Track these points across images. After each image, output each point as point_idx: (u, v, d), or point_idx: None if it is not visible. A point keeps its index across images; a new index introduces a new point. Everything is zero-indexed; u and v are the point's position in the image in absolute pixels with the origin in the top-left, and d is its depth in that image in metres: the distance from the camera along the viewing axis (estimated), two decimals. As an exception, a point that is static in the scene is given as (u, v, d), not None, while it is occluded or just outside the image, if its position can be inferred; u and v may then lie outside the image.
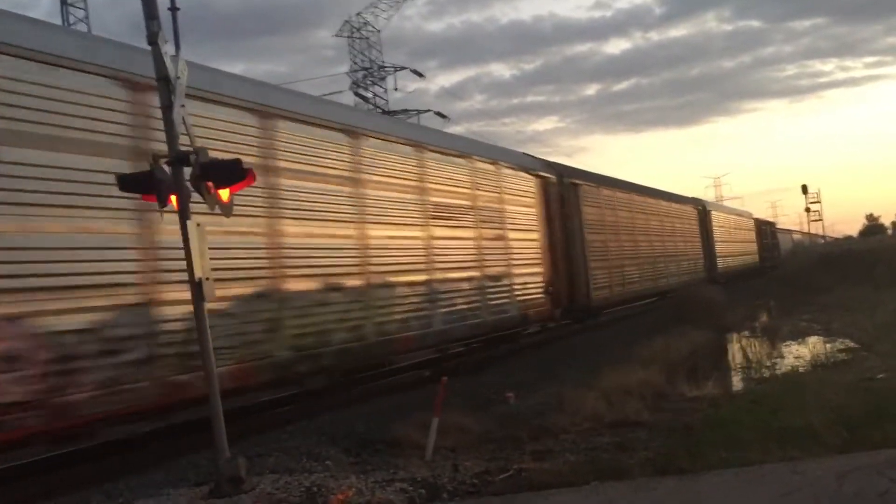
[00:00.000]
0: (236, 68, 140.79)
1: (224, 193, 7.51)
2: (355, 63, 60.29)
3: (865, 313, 19.79)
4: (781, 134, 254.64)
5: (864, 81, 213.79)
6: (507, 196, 17.52)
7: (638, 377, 12.67)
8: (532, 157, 21.60)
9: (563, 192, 21.01)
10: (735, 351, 18.78)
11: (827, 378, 11.64)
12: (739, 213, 52.85)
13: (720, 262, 40.09)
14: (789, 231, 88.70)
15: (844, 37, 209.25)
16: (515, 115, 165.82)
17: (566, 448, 8.72)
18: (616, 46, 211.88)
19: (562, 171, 21.95)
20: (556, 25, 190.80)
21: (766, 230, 58.60)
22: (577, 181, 22.35)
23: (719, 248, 40.60)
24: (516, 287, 17.22)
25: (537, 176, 19.59)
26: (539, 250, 18.84)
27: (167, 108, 7.32)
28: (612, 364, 13.91)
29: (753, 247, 52.31)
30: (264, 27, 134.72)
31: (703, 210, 39.03)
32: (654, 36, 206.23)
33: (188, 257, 7.18)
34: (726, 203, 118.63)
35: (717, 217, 41.60)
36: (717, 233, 40.40)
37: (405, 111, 58.81)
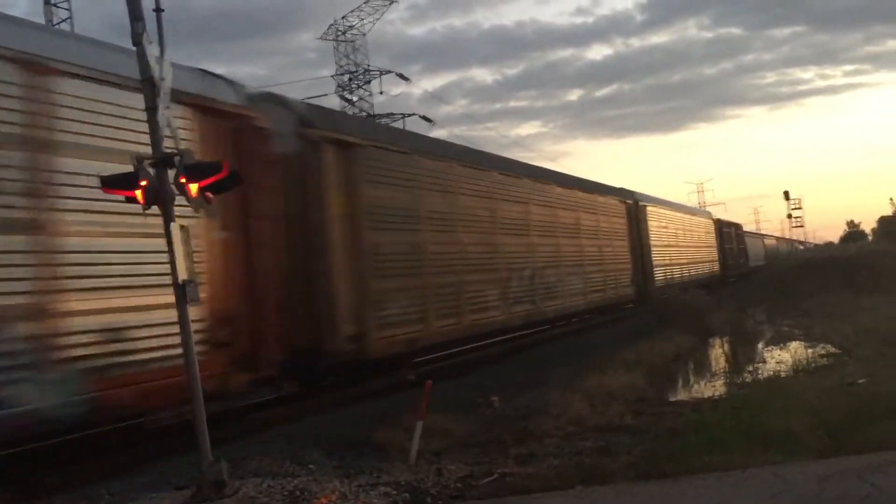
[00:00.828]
0: (217, 71, 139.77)
1: (208, 195, 7.47)
2: (340, 66, 60.27)
3: (846, 319, 19.96)
4: (763, 141, 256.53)
5: (844, 90, 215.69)
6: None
7: (622, 381, 12.74)
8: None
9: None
10: (718, 355, 18.89)
11: (809, 383, 11.74)
12: (692, 212, 43.95)
13: (659, 274, 30.90)
14: (761, 235, 78.48)
15: (824, 45, 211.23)
16: (498, 119, 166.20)
17: (550, 452, 8.73)
18: (598, 52, 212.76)
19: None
20: (538, 31, 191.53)
21: (729, 234, 50.64)
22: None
23: (658, 255, 31.08)
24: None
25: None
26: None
27: (152, 109, 7.28)
28: (597, 368, 13.97)
29: (713, 253, 43.81)
30: (245, 30, 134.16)
31: (633, 205, 29.45)
32: (636, 42, 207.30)
33: (172, 260, 7.13)
34: (709, 209, 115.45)
35: (654, 214, 31.66)
36: (656, 235, 31.22)
37: (390, 115, 58.78)
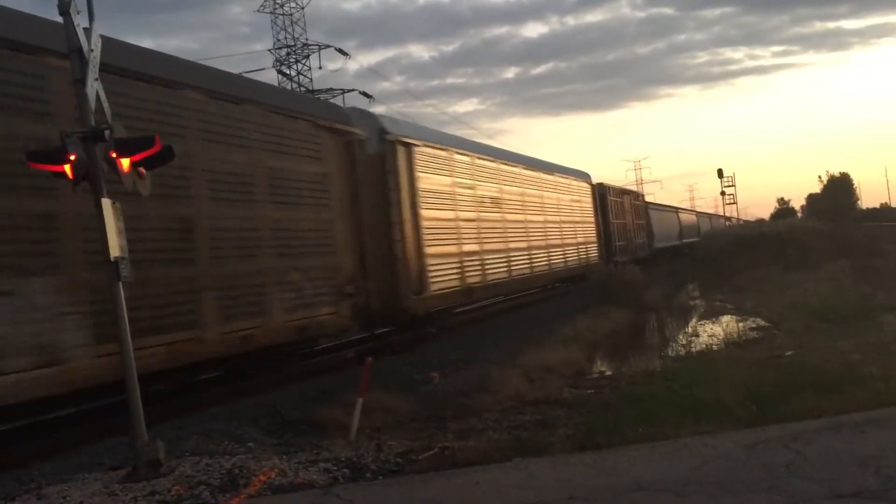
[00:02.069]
0: (144, 43, 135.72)
1: (141, 170, 7.31)
2: (278, 41, 59.24)
3: (776, 293, 20.62)
4: (697, 119, 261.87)
5: (773, 70, 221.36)
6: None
7: (560, 356, 12.97)
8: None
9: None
10: (653, 330, 19.34)
11: (739, 355, 12.11)
12: (548, 169, 28.08)
13: (438, 272, 17.47)
14: (675, 209, 63.65)
15: (753, 26, 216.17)
16: (436, 96, 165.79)
17: (489, 426, 8.85)
18: (533, 30, 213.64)
19: None
20: (474, 7, 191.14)
21: (619, 205, 38.11)
22: None
23: (435, 236, 17.57)
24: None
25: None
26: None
27: (80, 81, 7.07)
28: (535, 343, 14.17)
29: (588, 232, 31.55)
30: (174, 2, 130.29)
31: (384, 141, 16.30)
32: (571, 21, 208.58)
33: (103, 237, 6.96)
34: (646, 187, 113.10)
35: (426, 163, 17.71)
36: (430, 206, 17.60)
37: (330, 90, 58.08)
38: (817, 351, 11.28)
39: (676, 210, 64.77)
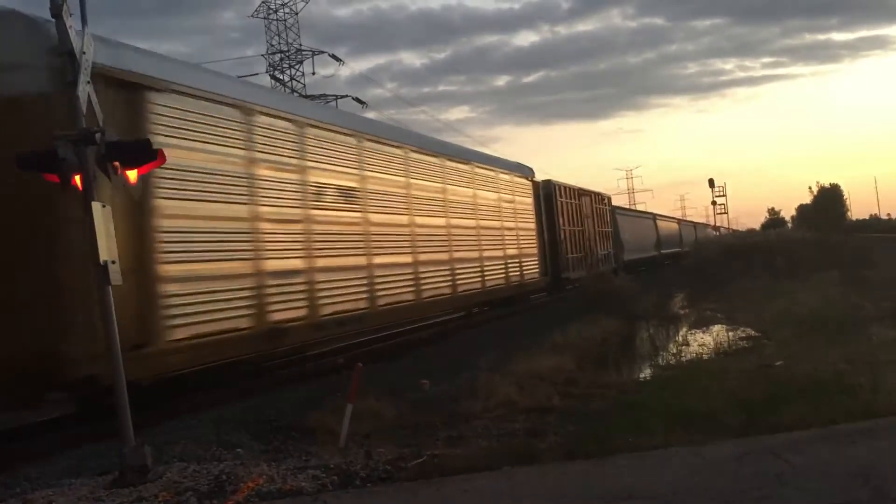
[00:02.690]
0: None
1: (132, 174, 7.28)
2: (272, 46, 59.23)
3: (766, 303, 20.67)
4: (688, 129, 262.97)
5: (763, 81, 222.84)
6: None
7: (550, 364, 12.93)
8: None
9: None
10: (643, 339, 19.35)
11: (729, 365, 12.13)
12: (461, 157, 21.89)
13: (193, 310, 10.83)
14: (651, 216, 56.08)
15: (743, 37, 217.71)
16: (427, 103, 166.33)
17: (479, 434, 8.82)
18: (525, 39, 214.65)
19: None
20: (465, 16, 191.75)
21: (572, 208, 30.79)
22: None
23: (212, 252, 11.25)
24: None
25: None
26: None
27: (72, 84, 7.03)
28: (526, 351, 14.15)
29: (526, 243, 25.33)
30: (164, 6, 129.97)
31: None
32: (562, 30, 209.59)
33: (93, 240, 6.92)
34: (637, 195, 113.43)
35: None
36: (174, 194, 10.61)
37: (323, 95, 58.10)
38: (807, 361, 11.30)
39: (654, 217, 56.44)
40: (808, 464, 6.07)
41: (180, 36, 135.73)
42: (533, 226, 26.19)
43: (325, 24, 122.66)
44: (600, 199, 37.33)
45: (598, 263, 33.07)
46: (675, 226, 67.13)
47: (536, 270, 26.12)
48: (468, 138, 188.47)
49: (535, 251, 26.07)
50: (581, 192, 33.24)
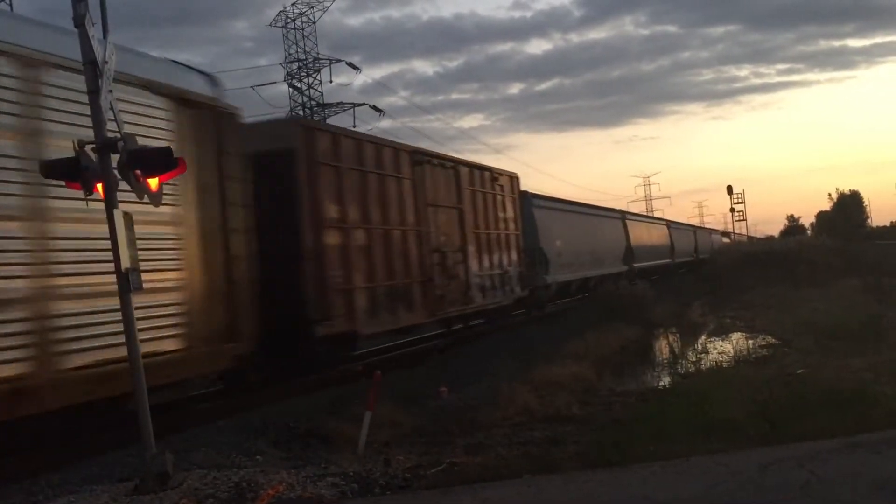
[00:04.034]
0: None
1: (153, 182, 7.32)
2: (290, 54, 59.55)
3: (786, 311, 20.50)
4: (704, 136, 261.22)
5: (779, 88, 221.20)
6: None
7: (569, 372, 12.88)
8: None
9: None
10: (662, 346, 19.22)
11: (749, 373, 12.01)
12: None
13: None
14: (620, 215, 39.53)
15: (758, 44, 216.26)
16: (441, 111, 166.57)
17: (498, 442, 8.78)
18: (537, 47, 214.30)
19: None
20: (478, 24, 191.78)
21: (487, 200, 20.57)
22: None
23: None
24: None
25: None
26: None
27: (94, 92, 7.09)
28: (545, 359, 14.09)
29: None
30: (179, 16, 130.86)
31: None
32: (574, 38, 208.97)
33: (115, 247, 6.96)
34: (655, 202, 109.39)
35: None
36: None
37: (340, 104, 58.37)
38: (829, 369, 11.19)
39: (622, 216, 39.29)
40: (833, 474, 5.99)
41: (194, 46, 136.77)
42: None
43: (337, 33, 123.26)
44: (483, 175, 20.64)
45: (476, 292, 19.13)
46: (661, 231, 48.37)
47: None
48: (483, 146, 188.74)
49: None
50: (398, 150, 16.42)
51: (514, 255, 22.04)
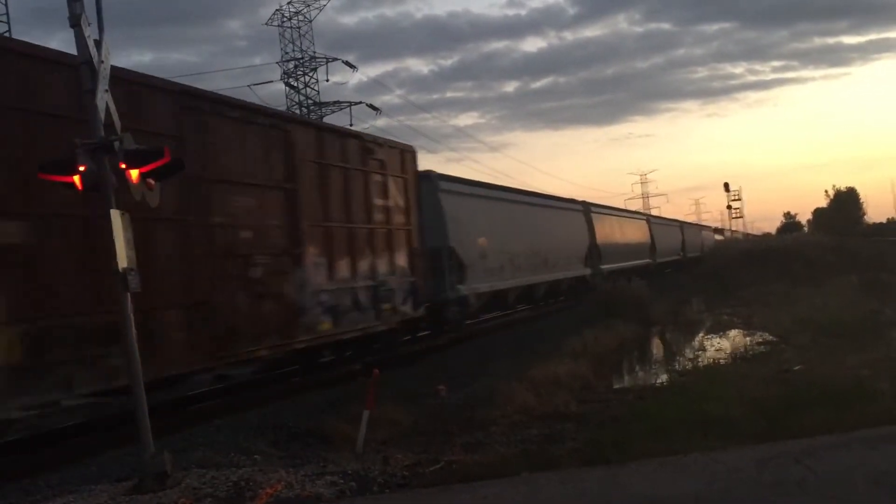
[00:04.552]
0: (145, 57, 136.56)
1: (150, 182, 7.32)
2: (286, 53, 59.46)
3: (783, 308, 20.53)
4: (700, 134, 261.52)
5: (774, 85, 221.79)
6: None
7: (567, 369, 12.89)
8: None
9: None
10: (659, 344, 19.25)
11: (747, 370, 12.05)
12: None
13: None
14: (582, 207, 32.84)
15: (752, 41, 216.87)
16: (436, 109, 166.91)
17: (496, 440, 8.80)
18: (532, 45, 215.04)
19: None
20: (472, 22, 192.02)
21: (351, 179, 14.35)
22: None
23: None
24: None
25: None
26: None
27: (90, 92, 7.08)
28: (542, 357, 14.11)
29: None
30: (172, 15, 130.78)
31: None
32: (569, 36, 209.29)
33: (112, 248, 6.95)
34: (651, 200, 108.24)
35: None
36: None
37: (337, 102, 58.30)
38: (826, 366, 11.22)
39: (585, 208, 32.59)
40: (830, 470, 6.01)
41: (189, 45, 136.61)
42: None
43: (331, 32, 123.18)
44: (346, 144, 14.76)
45: (319, 315, 13.11)
46: (639, 227, 42.14)
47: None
48: (480, 144, 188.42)
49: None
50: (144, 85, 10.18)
51: (401, 259, 15.85)
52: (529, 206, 26.03)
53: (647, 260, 40.48)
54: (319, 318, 12.95)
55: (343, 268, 13.86)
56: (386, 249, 15.40)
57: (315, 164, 13.37)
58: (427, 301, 16.87)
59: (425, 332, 18.77)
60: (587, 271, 30.10)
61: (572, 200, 32.74)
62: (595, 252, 31.60)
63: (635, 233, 40.69)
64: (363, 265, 14.46)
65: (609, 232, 34.81)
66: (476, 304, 20.25)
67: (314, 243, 13.04)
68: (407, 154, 17.01)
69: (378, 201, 15.33)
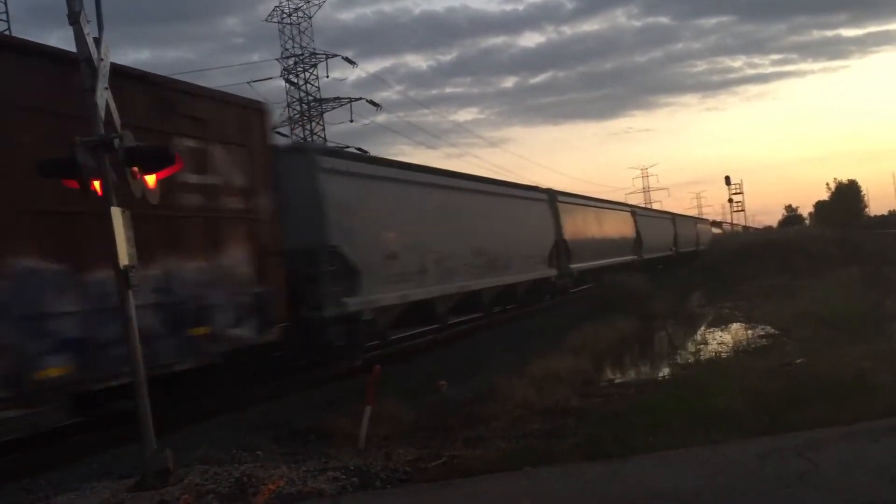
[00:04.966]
0: (142, 55, 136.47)
1: (150, 179, 7.31)
2: (286, 49, 59.39)
3: (785, 301, 20.51)
4: (700, 128, 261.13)
5: (773, 78, 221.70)
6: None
7: (567, 364, 12.88)
8: None
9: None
10: (661, 338, 19.24)
11: (748, 363, 12.03)
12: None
13: None
14: (550, 196, 27.06)
15: (751, 35, 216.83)
16: (435, 105, 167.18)
17: (497, 435, 8.79)
18: (530, 40, 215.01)
19: None
20: (470, 18, 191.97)
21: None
22: None
23: None
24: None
25: None
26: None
27: (90, 90, 7.07)
28: (543, 352, 14.11)
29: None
30: (170, 13, 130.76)
31: None
32: (567, 30, 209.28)
33: (113, 245, 6.95)
34: (652, 194, 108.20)
35: None
36: None
37: (337, 99, 58.27)
38: (827, 359, 11.19)
39: (550, 198, 27.31)
40: (832, 463, 6.00)
41: (187, 43, 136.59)
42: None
43: (330, 28, 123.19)
44: (129, 94, 8.77)
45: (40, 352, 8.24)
46: (621, 220, 37.42)
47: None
48: (478, 139, 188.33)
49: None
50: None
51: (236, 262, 11.21)
52: (471, 194, 20.33)
53: (632, 257, 36.12)
54: (42, 360, 8.14)
55: (105, 277, 7.88)
56: (204, 247, 10.63)
57: (48, 113, 8.40)
58: (284, 321, 11.98)
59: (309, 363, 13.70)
60: (552, 272, 25.35)
61: (534, 188, 27.07)
62: (563, 249, 26.63)
63: (617, 226, 35.74)
64: (154, 271, 9.53)
65: (581, 225, 29.66)
66: (382, 321, 15.30)
67: (33, 240, 8.24)
68: (252, 114, 11.99)
69: (190, 178, 10.31)
